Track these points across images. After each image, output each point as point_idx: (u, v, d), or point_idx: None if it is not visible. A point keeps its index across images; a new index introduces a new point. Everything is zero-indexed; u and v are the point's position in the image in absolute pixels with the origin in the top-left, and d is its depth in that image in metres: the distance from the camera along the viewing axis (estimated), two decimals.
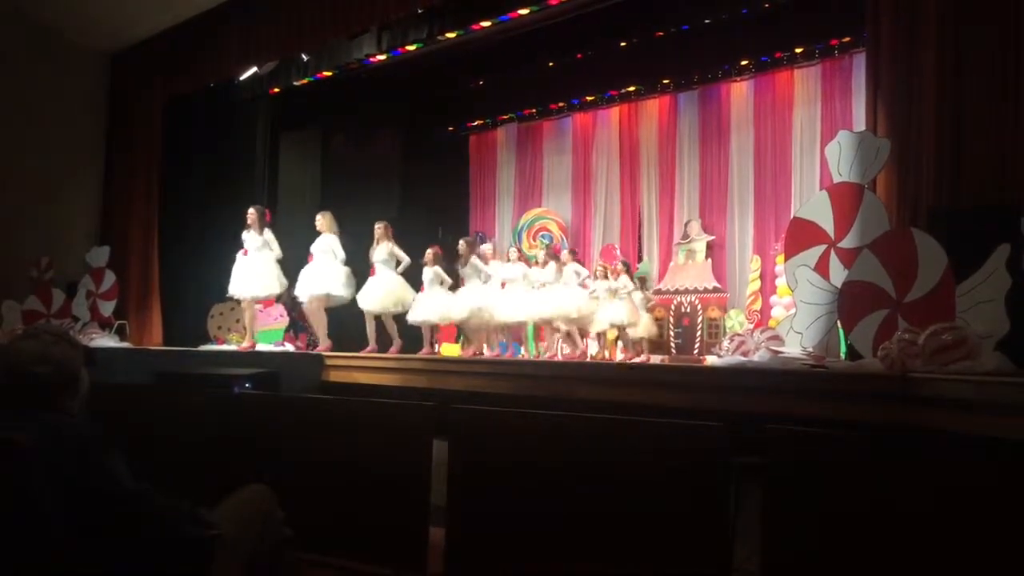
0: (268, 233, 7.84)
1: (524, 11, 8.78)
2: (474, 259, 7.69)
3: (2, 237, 8.55)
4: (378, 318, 7.65)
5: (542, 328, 8.68)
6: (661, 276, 10.71)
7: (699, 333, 9.82)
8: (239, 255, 7.95)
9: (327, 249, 7.73)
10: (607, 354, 8.75)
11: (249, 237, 7.83)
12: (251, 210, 7.87)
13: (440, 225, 12.15)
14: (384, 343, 7.61)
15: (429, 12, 8.53)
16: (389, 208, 11.85)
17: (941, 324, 4.14)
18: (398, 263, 7.63)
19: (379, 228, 7.74)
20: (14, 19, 9.77)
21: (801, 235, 5.54)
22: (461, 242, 7.92)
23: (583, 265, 8.74)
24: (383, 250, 7.64)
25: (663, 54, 10.40)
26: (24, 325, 8.77)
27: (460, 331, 9.00)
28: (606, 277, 8.05)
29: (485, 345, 7.83)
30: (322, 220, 7.84)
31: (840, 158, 5.42)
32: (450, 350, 8.91)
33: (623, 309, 7.87)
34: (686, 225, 10.67)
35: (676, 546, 2.51)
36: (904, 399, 3.87)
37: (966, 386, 3.55)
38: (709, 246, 10.42)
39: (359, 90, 11.08)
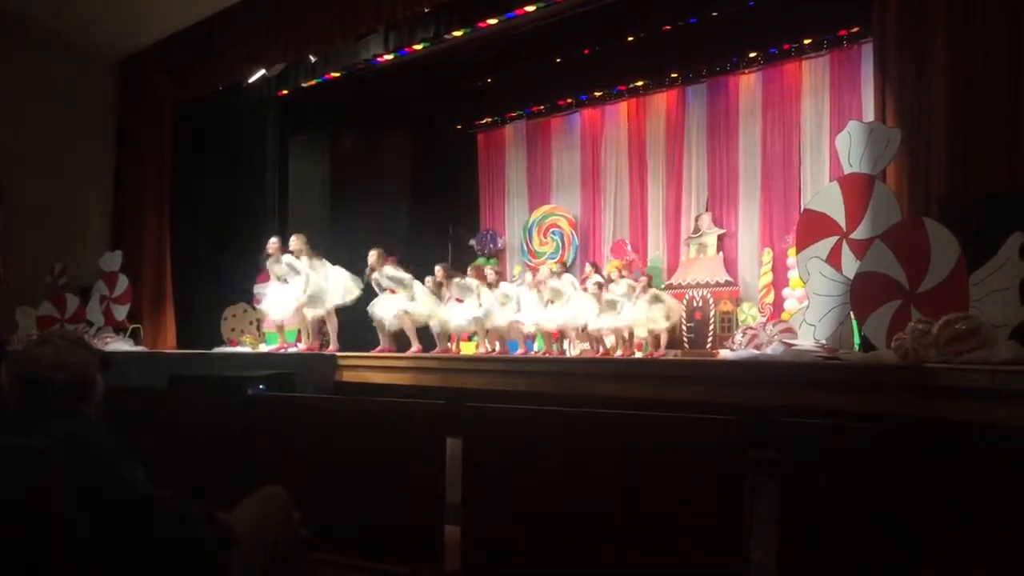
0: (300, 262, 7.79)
1: (530, 8, 8.79)
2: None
3: (15, 243, 8.59)
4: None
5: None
6: (671, 270, 10.69)
7: (711, 327, 9.80)
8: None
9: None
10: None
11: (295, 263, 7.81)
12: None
13: (450, 224, 12.16)
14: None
15: (436, 11, 8.53)
16: (399, 207, 11.92)
17: (955, 314, 4.11)
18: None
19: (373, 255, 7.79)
20: (24, 25, 9.81)
21: (812, 227, 5.52)
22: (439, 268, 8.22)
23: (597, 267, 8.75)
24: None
25: (670, 48, 10.36)
26: (39, 331, 8.82)
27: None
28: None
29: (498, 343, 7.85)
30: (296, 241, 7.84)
31: (850, 149, 5.39)
32: (468, 348, 8.89)
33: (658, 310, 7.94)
34: (697, 219, 10.63)
35: (692, 542, 2.51)
36: (918, 389, 3.86)
37: (981, 375, 3.54)
38: (720, 239, 10.39)
39: (367, 90, 11.10)
